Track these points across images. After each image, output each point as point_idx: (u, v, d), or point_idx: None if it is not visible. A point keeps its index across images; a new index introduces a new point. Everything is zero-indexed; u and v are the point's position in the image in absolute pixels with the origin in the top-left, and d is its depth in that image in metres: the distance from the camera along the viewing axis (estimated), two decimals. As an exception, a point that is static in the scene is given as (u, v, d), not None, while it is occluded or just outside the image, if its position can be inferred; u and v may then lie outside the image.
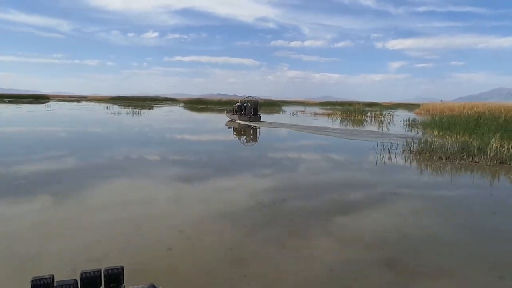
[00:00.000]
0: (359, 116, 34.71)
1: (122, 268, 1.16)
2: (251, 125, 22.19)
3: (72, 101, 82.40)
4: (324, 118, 33.95)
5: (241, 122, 24.07)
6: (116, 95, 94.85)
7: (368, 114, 35.21)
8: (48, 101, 75.42)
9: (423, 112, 45.04)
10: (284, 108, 60.55)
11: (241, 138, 17.54)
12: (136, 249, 4.23)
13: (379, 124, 27.27)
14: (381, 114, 34.21)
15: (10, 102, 62.96)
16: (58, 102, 68.76)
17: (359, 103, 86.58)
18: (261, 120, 24.78)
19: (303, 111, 43.62)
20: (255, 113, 24.64)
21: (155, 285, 1.16)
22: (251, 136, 17.77)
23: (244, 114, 24.71)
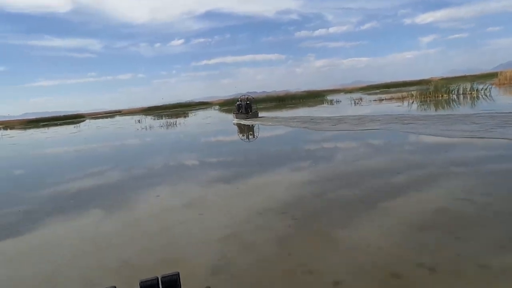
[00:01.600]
0: (444, 95, 26.92)
1: (178, 274, 1.15)
2: (247, 124, 21.45)
3: (107, 117, 79.47)
4: (395, 103, 26.54)
5: (239, 121, 23.52)
6: (150, 106, 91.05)
7: (454, 91, 27.27)
8: (84, 120, 73.45)
9: (506, 82, 36.32)
10: (329, 97, 53.23)
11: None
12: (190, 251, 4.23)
13: (479, 102, 19.66)
14: (474, 90, 26.22)
15: (44, 125, 60.45)
16: (91, 120, 65.41)
17: (410, 82, 78.15)
18: (260, 116, 24.77)
19: (360, 99, 36.04)
20: (247, 111, 24.27)
21: None
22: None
23: (240, 112, 24.49)
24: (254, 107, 25.60)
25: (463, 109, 17.66)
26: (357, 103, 31.03)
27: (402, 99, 29.60)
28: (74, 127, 42.78)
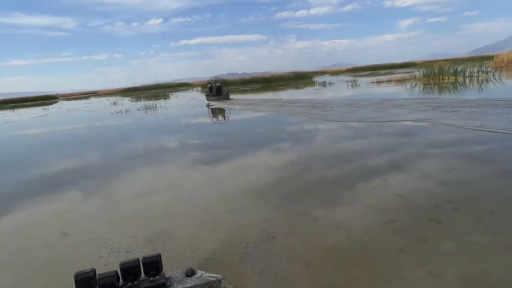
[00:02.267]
0: (451, 77, 24.53)
1: (159, 256, 1.14)
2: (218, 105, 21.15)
3: (81, 98, 74.21)
4: (397, 86, 24.05)
5: (210, 102, 23.32)
6: (127, 87, 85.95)
7: (461, 74, 24.88)
8: (56, 101, 68.41)
9: (503, 65, 34.41)
10: (317, 79, 50.43)
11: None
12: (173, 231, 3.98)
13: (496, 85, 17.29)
14: (484, 73, 23.94)
15: (11, 107, 55.39)
16: (64, 102, 60.43)
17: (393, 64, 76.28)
18: (230, 97, 24.74)
19: (354, 81, 33.33)
20: (218, 93, 24.20)
21: (194, 269, 1.13)
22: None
23: (212, 94, 24.46)
24: (225, 89, 25.95)
25: (491, 92, 15.15)
26: (355, 85, 28.30)
27: (402, 81, 27.17)
28: (42, 109, 38.41)
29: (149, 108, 23.57)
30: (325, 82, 38.26)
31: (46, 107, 42.66)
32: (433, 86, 21.49)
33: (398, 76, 31.35)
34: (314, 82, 43.89)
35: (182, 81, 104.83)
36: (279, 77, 50.82)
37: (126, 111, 22.98)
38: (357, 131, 9.23)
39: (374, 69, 71.45)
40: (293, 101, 18.39)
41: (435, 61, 33.62)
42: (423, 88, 21.14)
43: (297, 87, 37.97)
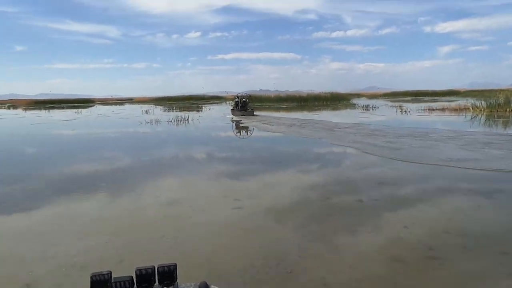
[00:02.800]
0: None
1: (175, 266, 1.10)
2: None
3: (117, 104, 74.85)
4: (456, 117, 21.09)
5: (234, 117, 23.64)
6: (162, 96, 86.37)
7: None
8: (93, 105, 69.36)
9: None
10: (356, 101, 47.68)
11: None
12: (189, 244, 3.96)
13: None
14: None
15: (49, 107, 56.15)
16: (99, 106, 60.78)
17: (435, 91, 72.04)
18: (260, 114, 24.84)
19: (400, 107, 30.36)
20: (243, 108, 24.53)
21: (207, 283, 1.10)
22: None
23: (237, 109, 24.77)
24: (250, 105, 25.95)
25: None
26: (404, 111, 25.46)
27: (459, 110, 24.14)
28: (76, 112, 37.84)
29: (180, 120, 21.79)
30: (367, 105, 35.48)
31: (80, 110, 42.28)
32: (498, 119, 18.49)
33: (453, 104, 28.17)
34: (354, 104, 41.23)
35: (214, 94, 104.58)
36: (316, 96, 48.45)
37: (156, 121, 21.32)
38: (473, 183, 6.47)
39: (415, 95, 67.74)
40: (343, 125, 15.92)
41: (500, 91, 30.21)
42: (489, 120, 18.21)
43: (336, 108, 35.50)
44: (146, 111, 33.81)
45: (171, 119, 22.15)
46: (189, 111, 36.93)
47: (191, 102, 71.75)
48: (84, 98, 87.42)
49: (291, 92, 55.99)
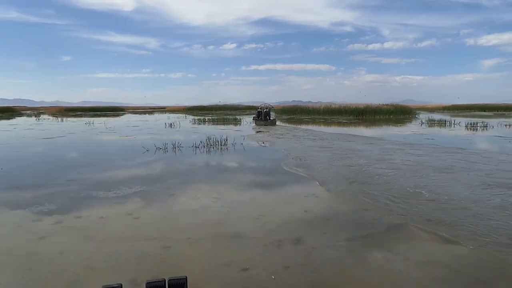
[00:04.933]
0: None
1: (185, 278, 1.12)
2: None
3: (145, 112, 68.41)
4: None
5: (259, 128, 22.55)
6: (196, 105, 79.47)
7: None
8: (123, 113, 63.43)
9: None
10: (423, 116, 37.62)
11: None
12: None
13: None
14: None
15: (78, 115, 50.10)
16: (129, 115, 54.16)
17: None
18: (277, 124, 24.73)
19: (483, 124, 20.29)
20: (265, 118, 24.44)
21: None
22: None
23: (260, 119, 24.55)
24: (273, 115, 26.03)
25: None
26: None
27: None
28: (86, 123, 30.32)
29: (213, 144, 13.10)
30: (444, 120, 25.75)
31: (92, 120, 34.70)
32: None
33: None
34: (420, 119, 31.48)
35: (249, 104, 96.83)
36: (376, 109, 38.73)
37: (175, 146, 12.62)
38: None
39: (482, 109, 56.45)
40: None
41: None
42: None
43: (404, 123, 25.92)
44: (171, 124, 25.60)
45: (199, 140, 13.48)
46: (224, 123, 28.47)
47: (226, 112, 63.99)
48: (115, 106, 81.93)
49: (324, 103, 46.48)
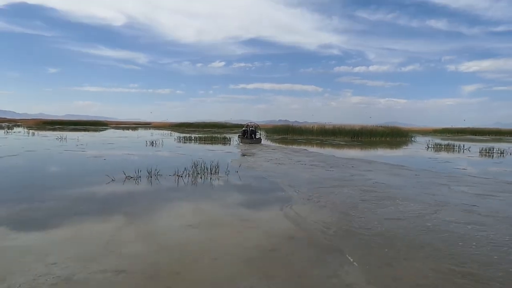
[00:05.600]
0: None
1: None
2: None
3: (128, 128, 64.78)
4: None
5: (245, 145, 22.43)
6: (183, 122, 76.44)
7: None
8: (106, 128, 59.93)
9: None
10: (420, 139, 35.74)
11: None
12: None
13: None
14: None
15: (57, 128, 46.23)
16: (111, 130, 50.65)
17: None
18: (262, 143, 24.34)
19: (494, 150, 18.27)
20: (251, 136, 24.25)
21: None
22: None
23: (246, 137, 24.25)
24: (258, 133, 26.08)
25: None
26: None
27: None
28: (58, 138, 26.81)
29: (200, 172, 10.19)
30: (451, 145, 23.62)
31: (77, 133, 31.11)
32: None
33: None
34: (418, 142, 29.45)
35: (236, 122, 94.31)
36: (372, 130, 36.61)
37: (151, 174, 9.64)
38: None
39: (474, 133, 55.45)
40: None
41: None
42: None
43: (405, 147, 23.64)
44: (153, 142, 22.53)
45: (184, 165, 10.52)
46: (212, 143, 25.59)
47: (213, 129, 61.17)
48: (97, 121, 77.89)
49: (310, 124, 44.46)
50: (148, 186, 8.33)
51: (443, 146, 23.96)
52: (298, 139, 34.42)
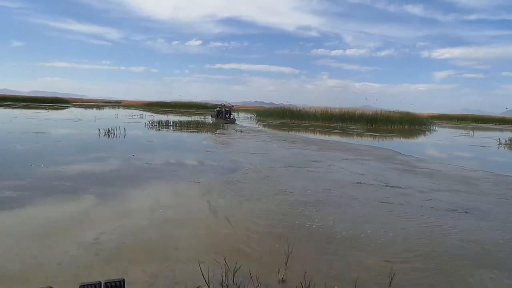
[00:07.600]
0: None
1: (123, 281, 0.99)
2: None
3: (93, 107, 55.17)
4: None
5: (220, 123, 21.88)
6: (157, 101, 67.28)
7: None
8: (67, 106, 50.44)
9: None
10: (435, 126, 29.76)
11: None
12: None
13: None
14: None
15: (11, 106, 36.58)
16: (73, 108, 41.42)
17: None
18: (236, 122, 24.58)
19: None
20: (226, 116, 24.70)
21: None
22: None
23: (221, 117, 24.71)
24: (233, 114, 26.18)
25: None
26: None
27: None
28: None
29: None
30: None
31: (21, 112, 22.37)
32: None
33: None
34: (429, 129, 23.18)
35: (213, 103, 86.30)
36: (388, 116, 29.99)
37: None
38: None
39: (476, 120, 50.52)
40: None
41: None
42: None
43: (439, 137, 17.13)
44: (110, 131, 14.48)
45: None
46: (198, 130, 17.98)
47: (191, 110, 53.08)
48: (57, 98, 67.09)
49: (286, 106, 37.80)
50: None
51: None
52: (303, 124, 27.38)
